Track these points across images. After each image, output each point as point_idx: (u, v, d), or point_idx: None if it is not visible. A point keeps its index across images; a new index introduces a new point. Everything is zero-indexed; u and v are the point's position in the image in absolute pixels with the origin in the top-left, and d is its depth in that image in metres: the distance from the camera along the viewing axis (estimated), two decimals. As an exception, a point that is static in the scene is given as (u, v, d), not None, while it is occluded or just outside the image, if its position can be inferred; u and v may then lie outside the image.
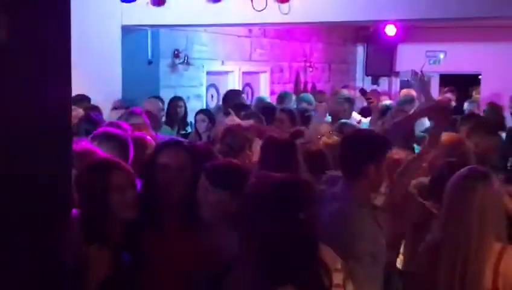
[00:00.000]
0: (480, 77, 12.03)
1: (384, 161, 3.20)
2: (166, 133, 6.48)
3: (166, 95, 8.00)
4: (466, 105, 8.76)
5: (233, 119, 5.46)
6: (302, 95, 9.01)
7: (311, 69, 11.77)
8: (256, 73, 10.64)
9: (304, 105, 7.81)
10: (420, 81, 6.72)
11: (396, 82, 13.18)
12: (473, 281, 2.85)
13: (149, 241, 2.90)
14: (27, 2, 1.72)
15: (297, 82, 11.47)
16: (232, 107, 6.61)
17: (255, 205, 2.42)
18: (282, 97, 8.50)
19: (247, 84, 10.40)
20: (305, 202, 2.45)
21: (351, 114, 7.43)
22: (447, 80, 11.45)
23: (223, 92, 9.70)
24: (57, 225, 1.79)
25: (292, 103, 8.13)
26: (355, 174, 3.17)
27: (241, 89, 9.94)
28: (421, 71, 6.68)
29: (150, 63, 8.22)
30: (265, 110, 6.64)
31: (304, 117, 6.63)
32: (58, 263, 1.80)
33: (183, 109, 7.62)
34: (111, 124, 4.59)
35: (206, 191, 2.89)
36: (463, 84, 11.13)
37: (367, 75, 13.29)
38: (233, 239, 2.64)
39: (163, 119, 7.27)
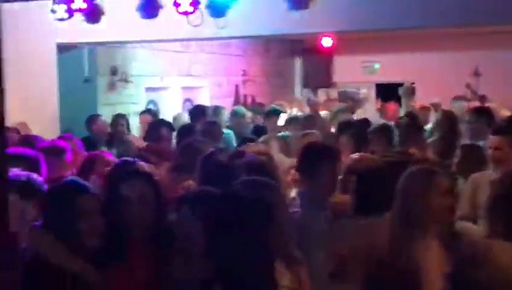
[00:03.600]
0: (414, 85, 12.32)
1: None
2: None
3: (105, 113, 7.90)
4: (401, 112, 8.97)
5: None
6: (235, 108, 9.03)
7: (249, 83, 11.85)
8: (196, 88, 10.64)
9: (239, 118, 7.83)
10: None
11: (334, 93, 13.38)
12: None
13: (115, 272, 2.84)
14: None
15: (236, 96, 11.51)
16: None
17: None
18: (214, 111, 8.45)
19: (187, 100, 10.38)
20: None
21: None
22: (382, 90, 11.68)
23: (163, 107, 9.67)
24: None
25: (225, 117, 8.08)
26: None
27: (181, 104, 9.94)
28: None
29: (86, 81, 8.11)
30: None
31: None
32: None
33: (125, 126, 7.52)
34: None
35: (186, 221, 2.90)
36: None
37: (305, 87, 13.45)
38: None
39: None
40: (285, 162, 4.91)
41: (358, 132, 5.71)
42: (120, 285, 2.83)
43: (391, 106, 9.56)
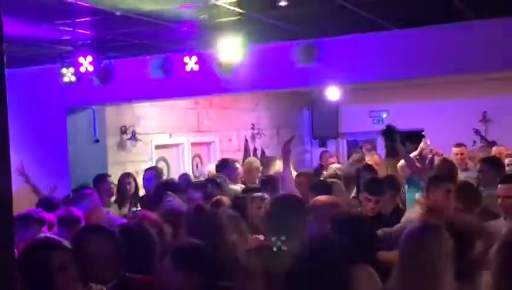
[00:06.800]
0: (423, 133, 12.33)
1: None
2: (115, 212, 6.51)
3: (115, 172, 7.94)
4: None
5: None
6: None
7: (259, 136, 11.90)
8: (206, 143, 10.69)
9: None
10: None
11: (343, 143, 13.44)
12: None
13: None
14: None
15: (246, 149, 11.54)
16: None
17: None
18: (220, 166, 8.42)
19: (197, 155, 10.42)
20: None
21: None
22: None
23: (172, 164, 9.71)
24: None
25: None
26: None
27: (190, 161, 9.97)
28: None
29: (97, 141, 8.16)
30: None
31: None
32: None
33: (133, 185, 7.52)
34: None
35: (170, 274, 2.92)
36: (408, 140, 11.37)
37: (314, 139, 13.51)
38: None
39: (113, 197, 7.18)
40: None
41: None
42: None
43: None
